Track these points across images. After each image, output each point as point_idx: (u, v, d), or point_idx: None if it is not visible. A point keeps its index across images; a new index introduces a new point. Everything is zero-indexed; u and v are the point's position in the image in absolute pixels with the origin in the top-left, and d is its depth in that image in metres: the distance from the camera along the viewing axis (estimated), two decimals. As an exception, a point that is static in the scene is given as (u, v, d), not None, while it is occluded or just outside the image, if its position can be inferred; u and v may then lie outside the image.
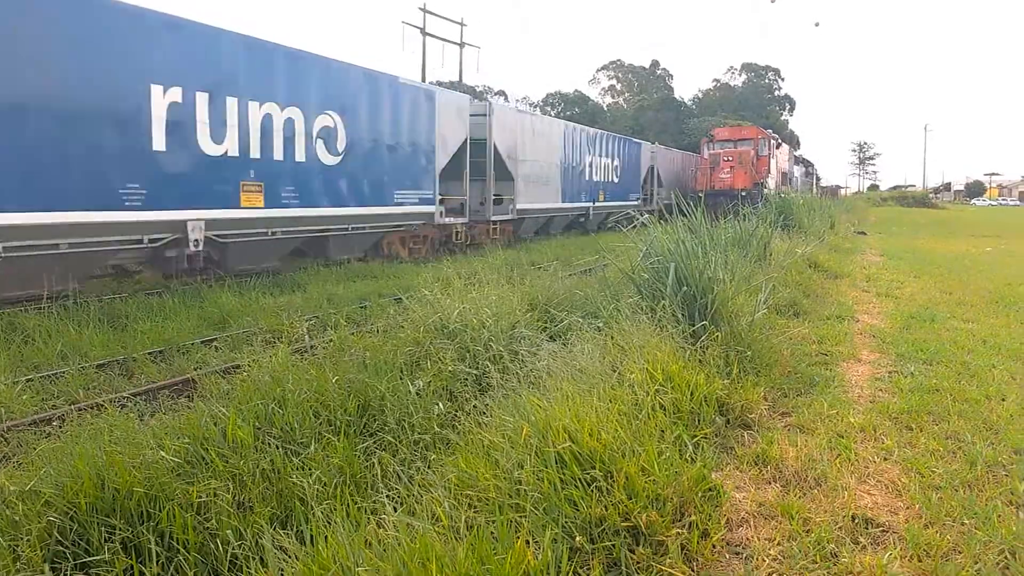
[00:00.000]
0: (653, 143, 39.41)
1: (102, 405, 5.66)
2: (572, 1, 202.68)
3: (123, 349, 8.35)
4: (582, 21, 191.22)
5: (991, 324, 9.14)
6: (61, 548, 3.38)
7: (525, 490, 3.26)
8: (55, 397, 6.78)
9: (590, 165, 28.43)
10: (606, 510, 3.27)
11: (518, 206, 22.51)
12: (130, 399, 6.45)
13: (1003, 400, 5.94)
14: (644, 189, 35.32)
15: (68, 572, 3.26)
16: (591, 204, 28.38)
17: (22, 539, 3.33)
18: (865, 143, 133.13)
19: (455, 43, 40.03)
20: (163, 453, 3.98)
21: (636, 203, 32.35)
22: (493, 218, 21.29)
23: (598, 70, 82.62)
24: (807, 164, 67.32)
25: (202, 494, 3.74)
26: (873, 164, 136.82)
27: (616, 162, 31.36)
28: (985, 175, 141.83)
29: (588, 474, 3.47)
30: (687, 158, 42.98)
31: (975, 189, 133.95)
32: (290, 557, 2.90)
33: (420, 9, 37.08)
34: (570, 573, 2.87)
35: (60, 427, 5.44)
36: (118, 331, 9.11)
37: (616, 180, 31.36)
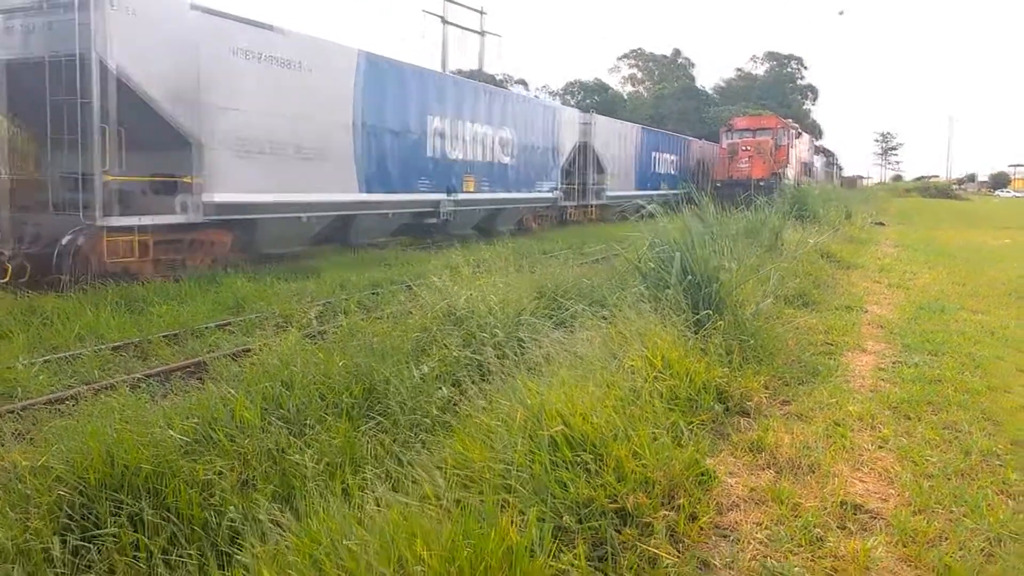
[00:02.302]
0: (701, 140, 44.83)
1: (115, 386, 5.81)
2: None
3: (139, 332, 8.52)
4: (604, 9, 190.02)
5: (1001, 316, 9.10)
6: (70, 521, 3.51)
7: (516, 471, 3.34)
8: (70, 377, 6.95)
9: (655, 160, 35.65)
10: (594, 492, 3.35)
11: (608, 194, 29.38)
12: (143, 380, 6.62)
13: (1007, 392, 5.95)
14: (694, 178, 39.37)
15: (75, 544, 3.38)
16: (654, 192, 32.50)
17: (32, 512, 3.47)
18: (888, 133, 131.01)
19: (476, 31, 39.88)
20: (172, 432, 4.11)
21: (686, 190, 33.44)
22: (592, 203, 28.93)
23: (619, 58, 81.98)
24: (828, 154, 66.67)
25: (208, 472, 3.87)
26: (896, 155, 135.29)
27: (674, 156, 38.63)
28: (1010, 166, 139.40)
29: (579, 457, 3.55)
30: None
31: (1000, 180, 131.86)
32: (285, 532, 3.01)
33: (440, -3, 36.99)
34: (554, 550, 2.95)
35: (74, 406, 5.60)
36: (135, 314, 9.29)
37: (674, 172, 38.20)
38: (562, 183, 26.21)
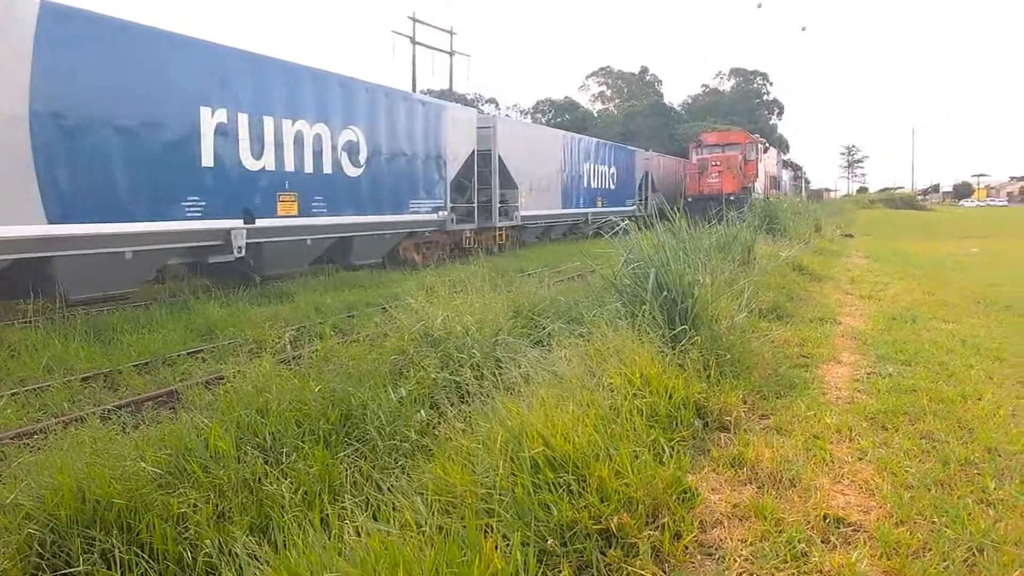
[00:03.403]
0: (647, 150, 40.77)
1: (85, 418, 5.68)
2: (561, 9, 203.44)
3: (108, 361, 8.37)
4: (572, 29, 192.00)
5: (971, 324, 9.24)
6: (40, 560, 3.41)
7: (497, 494, 3.31)
8: (39, 410, 6.80)
9: (588, 173, 29.82)
10: (578, 513, 3.32)
11: (521, 213, 23.54)
12: (113, 411, 6.48)
13: (979, 400, 6.01)
14: (640, 194, 36.35)
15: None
16: (589, 210, 29.42)
17: (1, 551, 3.36)
18: (853, 146, 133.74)
19: (445, 52, 40.12)
20: (144, 464, 4.02)
21: (632, 208, 32.86)
22: (499, 224, 22.46)
23: (588, 76, 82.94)
24: (795, 168, 67.76)
25: (182, 505, 3.78)
26: (862, 167, 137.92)
27: (612, 169, 32.73)
28: (973, 176, 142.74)
29: (561, 478, 3.52)
30: (679, 163, 43.22)
31: (963, 190, 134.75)
32: (263, 565, 2.94)
33: (410, 18, 37.17)
34: (539, 575, 2.91)
35: (43, 440, 5.46)
36: (104, 344, 9.13)
37: (613, 187, 32.72)
38: (462, 201, 20.96)
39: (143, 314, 10.63)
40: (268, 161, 13.44)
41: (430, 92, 43.62)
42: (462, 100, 42.79)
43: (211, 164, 12.26)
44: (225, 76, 12.57)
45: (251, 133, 13.03)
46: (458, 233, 20.56)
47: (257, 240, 13.14)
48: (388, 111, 16.94)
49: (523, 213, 23.64)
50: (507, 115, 61.72)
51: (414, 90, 34.60)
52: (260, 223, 13.20)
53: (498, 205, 22.32)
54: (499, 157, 22.17)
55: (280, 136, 13.69)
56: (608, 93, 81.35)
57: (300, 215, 14.18)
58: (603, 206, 30.73)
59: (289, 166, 13.92)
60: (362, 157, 16.01)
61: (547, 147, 26.22)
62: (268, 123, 13.42)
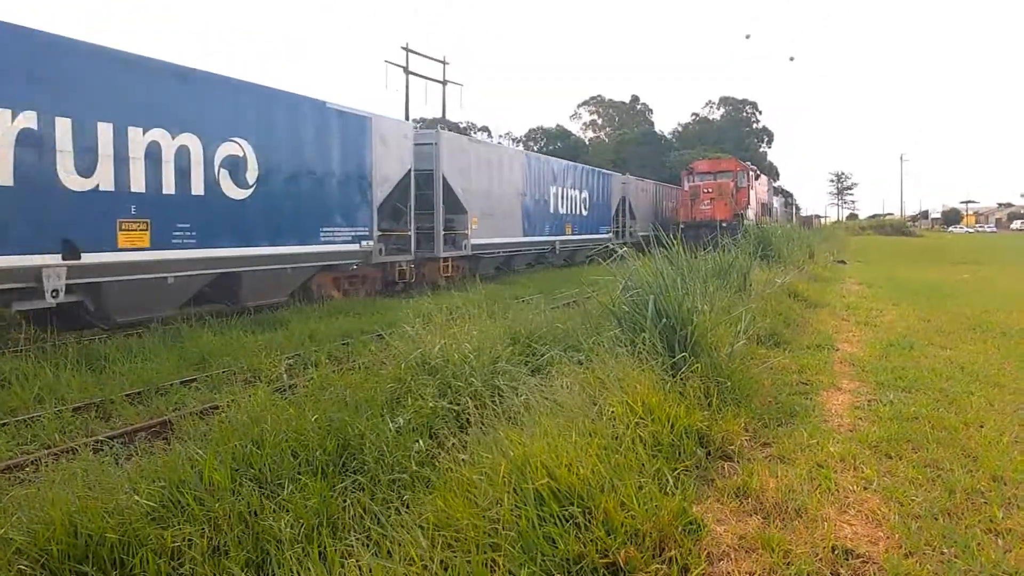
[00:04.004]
0: (625, 174, 38.28)
1: (76, 449, 5.57)
2: (554, 39, 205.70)
3: (100, 391, 8.24)
4: (564, 58, 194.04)
5: (969, 351, 9.22)
6: (31, 597, 3.31)
7: (502, 528, 3.23)
8: (29, 442, 6.68)
9: (555, 196, 27.11)
10: (584, 547, 3.25)
11: (473, 241, 20.67)
12: (106, 442, 6.37)
13: (981, 427, 5.97)
14: (617, 221, 34.32)
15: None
16: (557, 238, 27.07)
17: (-10, 589, 3.26)
18: (843, 173, 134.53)
19: (438, 81, 40.44)
20: (137, 498, 3.93)
21: (606, 236, 31.84)
22: (443, 255, 19.59)
23: (579, 105, 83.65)
24: (786, 195, 68.22)
25: (176, 539, 3.69)
26: (851, 194, 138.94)
27: (584, 194, 30.15)
28: (961, 203, 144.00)
29: (566, 510, 3.45)
30: (662, 189, 43.08)
31: (952, 217, 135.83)
32: (263, 602, 2.85)
33: (403, 48, 37.49)
34: (547, 612, 2.84)
35: (34, 473, 5.35)
36: (96, 373, 9.01)
37: (585, 213, 30.12)
38: (396, 228, 17.97)
39: (135, 342, 10.52)
40: (103, 180, 10.43)
41: (423, 120, 43.86)
42: (455, 128, 42.97)
43: (9, 183, 9.31)
44: (33, 69, 9.63)
45: (75, 144, 10.05)
46: (391, 265, 17.65)
47: (89, 280, 10.29)
48: (291, 122, 14.04)
49: (474, 241, 20.76)
50: (499, 142, 61.97)
51: (407, 118, 34.73)
52: (89, 258, 10.22)
53: (442, 233, 19.44)
54: (443, 178, 19.42)
55: (123, 148, 10.67)
56: (599, 121, 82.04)
57: (153, 247, 11.14)
58: (573, 233, 28.61)
59: (137, 186, 10.88)
60: (250, 176, 12.99)
61: (504, 168, 23.16)
62: (103, 130, 10.42)
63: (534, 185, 25.34)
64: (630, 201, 35.90)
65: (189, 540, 3.69)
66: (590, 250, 27.34)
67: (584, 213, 30.05)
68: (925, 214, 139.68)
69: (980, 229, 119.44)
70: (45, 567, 3.46)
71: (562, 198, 27.75)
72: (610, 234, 32.46)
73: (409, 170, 17.83)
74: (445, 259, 19.83)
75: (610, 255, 8.51)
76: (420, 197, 18.68)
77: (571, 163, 31.13)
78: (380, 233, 16.77)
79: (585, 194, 30.20)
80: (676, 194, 40.87)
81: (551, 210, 26.79)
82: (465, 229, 20.44)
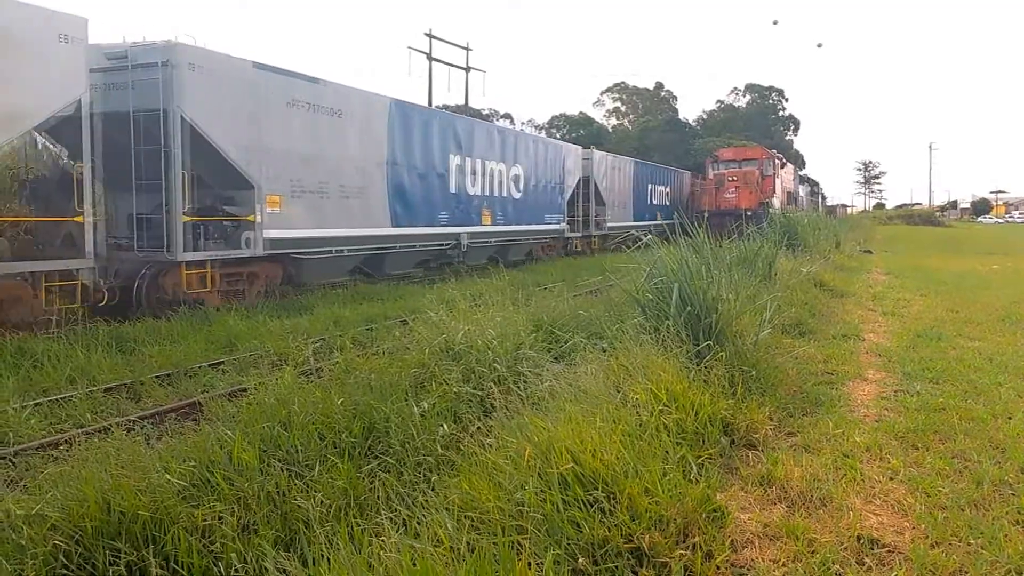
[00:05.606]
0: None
1: (109, 428, 5.68)
2: (577, 25, 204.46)
3: (131, 373, 8.38)
4: (587, 44, 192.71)
5: (998, 342, 9.11)
6: (66, 572, 3.39)
7: (528, 511, 3.26)
8: (63, 421, 6.80)
9: (649, 191, 36.09)
10: (609, 531, 3.27)
11: (608, 224, 30.05)
12: (137, 422, 6.49)
13: (1010, 419, 5.91)
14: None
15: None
16: (652, 222, 33.72)
17: (27, 563, 3.34)
18: (870, 162, 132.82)
19: (461, 67, 40.29)
20: (169, 476, 4.00)
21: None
22: (594, 233, 29.60)
23: (603, 92, 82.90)
24: (812, 183, 67.49)
25: (207, 517, 3.76)
26: (879, 183, 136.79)
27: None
28: (991, 192, 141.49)
29: (591, 495, 3.47)
30: (659, 172, 40.00)
31: (981, 207, 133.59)
32: (293, 580, 2.91)
33: (426, 35, 37.37)
34: (572, 595, 2.87)
35: (67, 451, 5.46)
36: (126, 355, 9.15)
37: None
38: (572, 216, 28.65)
39: (164, 326, 10.66)
40: (479, 189, 21.21)
41: (446, 107, 43.78)
42: (477, 115, 42.97)
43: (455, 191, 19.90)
44: (461, 136, 20.49)
45: (474, 171, 21.15)
46: (570, 239, 27.84)
47: (471, 241, 20.74)
48: (534, 152, 24.70)
49: (609, 224, 29.98)
50: (522, 129, 61.81)
51: (430, 104, 34.76)
52: (471, 229, 20.75)
53: (594, 219, 29.06)
54: (594, 182, 28.74)
55: (483, 172, 21.38)
56: (623, 109, 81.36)
57: (492, 224, 22.08)
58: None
59: (486, 192, 21.58)
60: (522, 185, 23.83)
61: (623, 172, 32.52)
62: (479, 163, 21.17)
63: (640, 183, 35.51)
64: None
65: (220, 518, 3.76)
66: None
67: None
68: (954, 204, 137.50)
69: (1010, 219, 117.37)
70: (79, 543, 3.53)
71: (653, 192, 37.10)
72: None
73: (579, 178, 28.35)
74: (594, 236, 29.99)
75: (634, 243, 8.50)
76: (583, 195, 28.86)
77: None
78: (567, 219, 27.53)
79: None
80: (676, 179, 40.62)
81: (648, 201, 36.30)
82: (604, 216, 30.61)
